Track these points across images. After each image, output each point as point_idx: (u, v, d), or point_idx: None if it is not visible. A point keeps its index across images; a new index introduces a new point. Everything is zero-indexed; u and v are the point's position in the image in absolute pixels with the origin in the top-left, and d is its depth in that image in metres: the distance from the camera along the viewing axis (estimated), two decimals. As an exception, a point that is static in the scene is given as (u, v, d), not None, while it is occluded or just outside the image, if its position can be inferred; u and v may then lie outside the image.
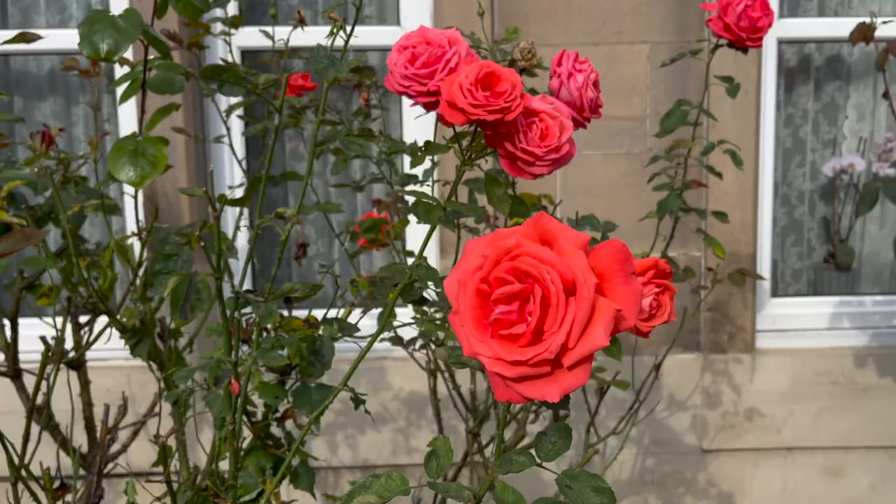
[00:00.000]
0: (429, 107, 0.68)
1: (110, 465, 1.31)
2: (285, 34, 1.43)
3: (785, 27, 2.20)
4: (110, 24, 0.82)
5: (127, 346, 1.11)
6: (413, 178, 1.07)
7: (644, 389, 1.34)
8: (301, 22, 1.16)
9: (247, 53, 2.14)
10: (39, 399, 1.28)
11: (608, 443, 2.19)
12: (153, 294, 0.91)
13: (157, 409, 1.39)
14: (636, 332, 0.73)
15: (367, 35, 2.22)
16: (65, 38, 2.04)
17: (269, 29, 1.31)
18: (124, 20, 0.83)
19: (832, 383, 2.17)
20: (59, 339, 1.08)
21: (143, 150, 0.86)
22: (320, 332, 0.81)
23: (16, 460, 1.00)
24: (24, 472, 0.99)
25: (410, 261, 1.21)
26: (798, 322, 2.25)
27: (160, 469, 0.87)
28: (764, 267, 2.24)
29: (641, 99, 2.10)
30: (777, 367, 2.19)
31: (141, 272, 1.02)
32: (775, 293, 2.31)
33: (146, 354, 1.02)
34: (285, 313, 0.93)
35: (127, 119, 2.12)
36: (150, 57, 0.93)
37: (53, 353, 1.06)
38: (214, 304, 0.89)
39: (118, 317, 1.03)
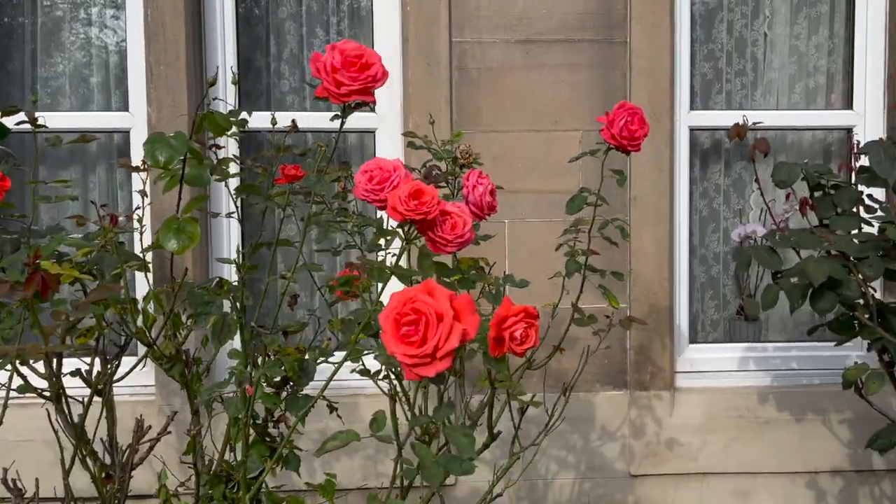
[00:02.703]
0: (380, 207, 1.06)
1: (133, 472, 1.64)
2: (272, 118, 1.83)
3: (695, 118, 2.64)
4: (166, 143, 1.20)
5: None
6: (378, 247, 1.45)
7: (556, 408, 1.70)
8: (294, 128, 1.55)
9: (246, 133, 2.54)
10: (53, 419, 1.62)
11: (549, 470, 2.53)
12: (198, 328, 1.26)
13: (169, 429, 1.73)
14: (514, 353, 1.10)
15: (349, 120, 2.63)
16: (85, 119, 2.45)
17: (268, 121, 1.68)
18: (175, 140, 1.21)
19: (739, 417, 2.54)
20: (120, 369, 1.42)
21: (183, 228, 1.23)
22: (307, 356, 1.17)
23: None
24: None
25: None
26: (711, 365, 2.64)
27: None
28: (682, 318, 2.63)
29: (574, 176, 2.51)
30: (693, 403, 2.56)
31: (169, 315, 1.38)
32: (694, 340, 2.70)
33: (178, 375, 1.37)
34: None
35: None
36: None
37: (96, 380, 1.40)
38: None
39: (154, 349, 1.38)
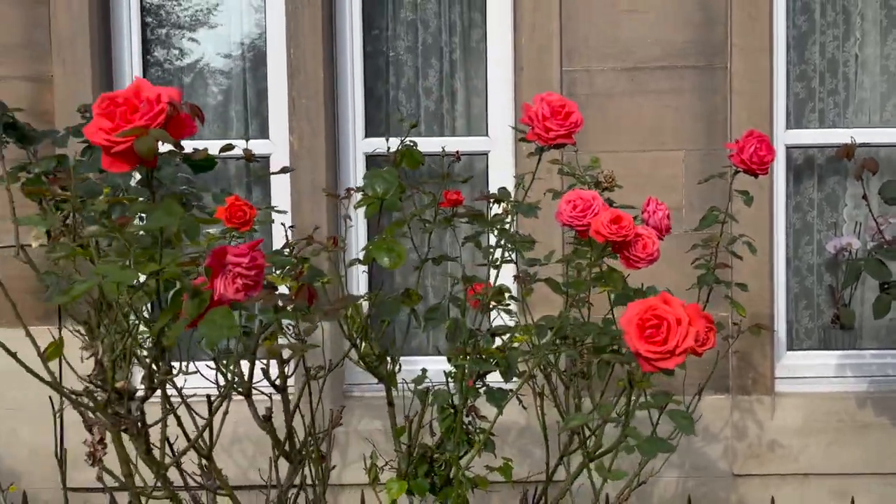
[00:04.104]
0: (580, 231, 1.27)
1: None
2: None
3: (791, 136, 2.79)
4: (382, 177, 1.43)
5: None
6: (537, 261, 1.65)
7: (690, 407, 1.88)
8: (458, 158, 1.77)
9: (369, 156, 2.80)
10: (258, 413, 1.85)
11: (655, 467, 2.69)
12: (428, 328, 1.48)
13: (340, 421, 1.96)
14: (695, 353, 1.29)
15: (461, 144, 2.85)
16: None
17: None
18: (388, 175, 1.44)
19: (838, 421, 2.67)
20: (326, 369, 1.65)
21: (392, 247, 1.45)
22: (506, 353, 1.37)
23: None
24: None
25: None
26: (809, 371, 2.77)
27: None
28: (780, 326, 2.78)
29: (679, 193, 2.68)
30: (793, 407, 2.70)
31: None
32: (791, 347, 2.84)
33: (384, 371, 1.59)
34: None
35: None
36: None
37: (309, 376, 1.63)
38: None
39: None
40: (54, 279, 1.29)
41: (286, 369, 1.98)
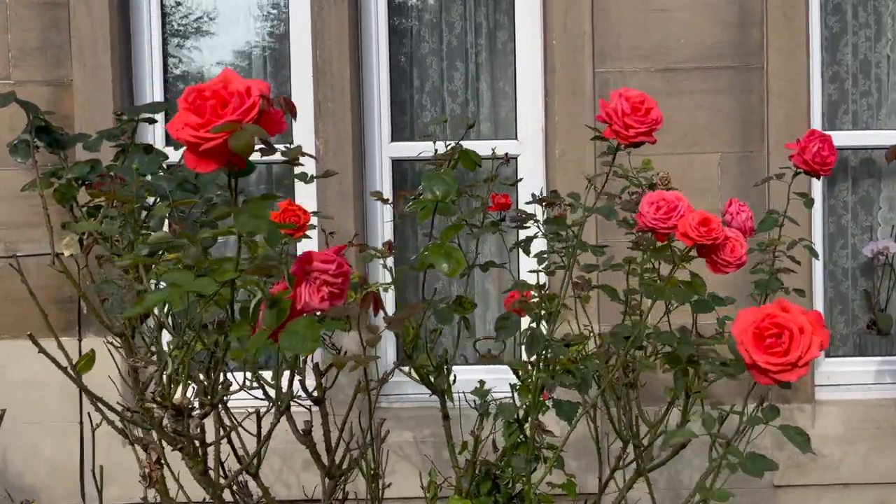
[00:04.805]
0: (663, 234, 1.20)
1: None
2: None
3: (827, 138, 2.73)
4: (441, 180, 1.35)
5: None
6: (595, 267, 1.59)
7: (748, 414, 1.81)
8: (506, 160, 1.70)
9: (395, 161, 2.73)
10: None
11: (692, 479, 2.62)
12: (501, 338, 1.41)
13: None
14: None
15: (490, 147, 2.78)
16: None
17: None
18: (447, 177, 1.37)
19: (878, 428, 2.61)
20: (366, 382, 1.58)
21: (451, 253, 1.37)
22: (581, 365, 1.30)
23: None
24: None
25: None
26: (848, 378, 2.71)
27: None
28: (817, 332, 2.72)
29: (714, 195, 2.61)
30: (833, 415, 2.63)
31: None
32: (829, 354, 2.78)
33: (443, 383, 1.52)
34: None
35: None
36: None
37: (360, 387, 1.55)
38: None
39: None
40: (115, 289, 1.21)
41: (324, 381, 1.91)
